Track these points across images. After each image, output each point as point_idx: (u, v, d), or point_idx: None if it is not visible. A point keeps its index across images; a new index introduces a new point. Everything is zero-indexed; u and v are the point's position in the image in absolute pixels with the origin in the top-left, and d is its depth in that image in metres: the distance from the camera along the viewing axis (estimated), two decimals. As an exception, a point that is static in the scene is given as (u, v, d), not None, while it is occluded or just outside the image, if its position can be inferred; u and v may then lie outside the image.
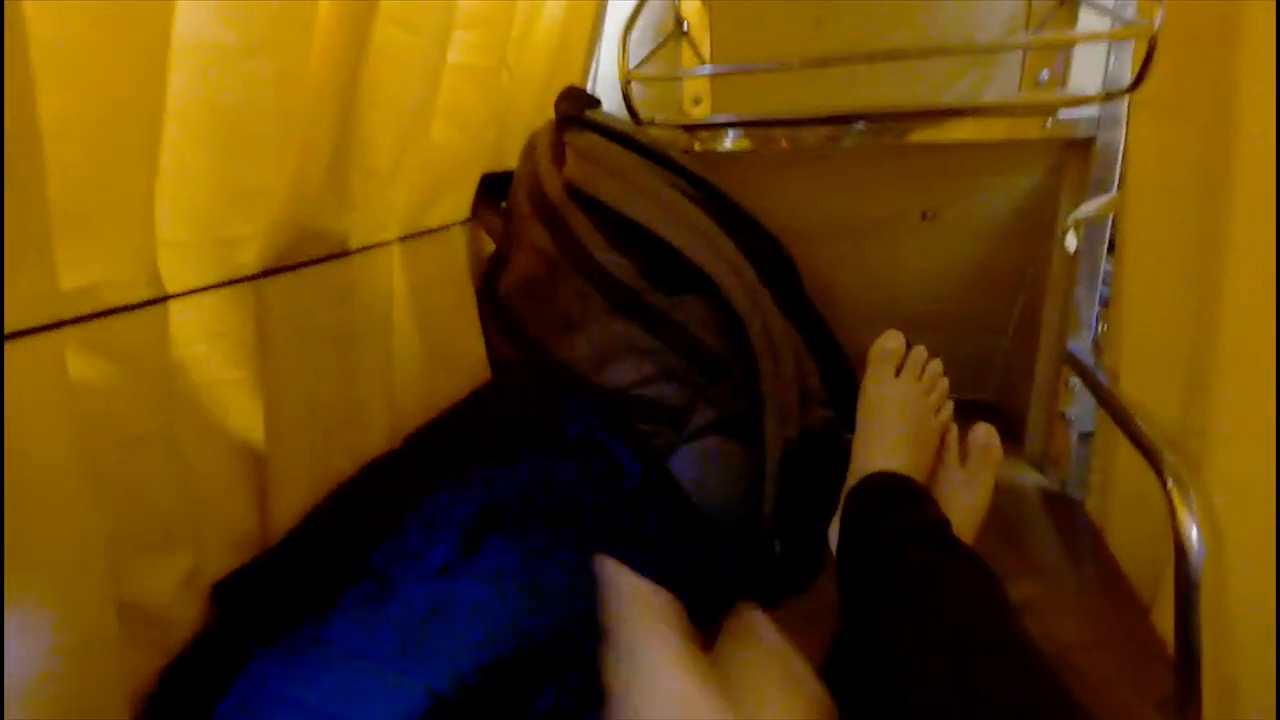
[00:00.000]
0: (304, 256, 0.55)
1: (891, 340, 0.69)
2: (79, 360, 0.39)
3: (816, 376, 0.81)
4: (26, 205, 0.32)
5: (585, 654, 0.54)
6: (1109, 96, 0.72)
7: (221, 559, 0.52)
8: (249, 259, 0.50)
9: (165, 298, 0.44)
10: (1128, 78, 0.75)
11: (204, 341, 0.49)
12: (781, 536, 0.68)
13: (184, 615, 0.49)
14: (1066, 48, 0.81)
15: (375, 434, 0.66)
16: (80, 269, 0.38)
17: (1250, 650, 0.52)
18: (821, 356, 0.83)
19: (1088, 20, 0.81)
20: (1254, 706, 0.52)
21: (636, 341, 0.73)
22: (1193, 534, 0.52)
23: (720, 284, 0.69)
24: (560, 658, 0.52)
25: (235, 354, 0.52)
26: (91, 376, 0.40)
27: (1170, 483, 0.55)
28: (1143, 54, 0.61)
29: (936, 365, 0.70)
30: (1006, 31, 0.86)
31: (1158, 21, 0.59)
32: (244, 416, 0.54)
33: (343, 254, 0.59)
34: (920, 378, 0.68)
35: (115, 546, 0.42)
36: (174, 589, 0.48)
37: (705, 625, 0.65)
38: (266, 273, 0.52)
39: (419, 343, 0.71)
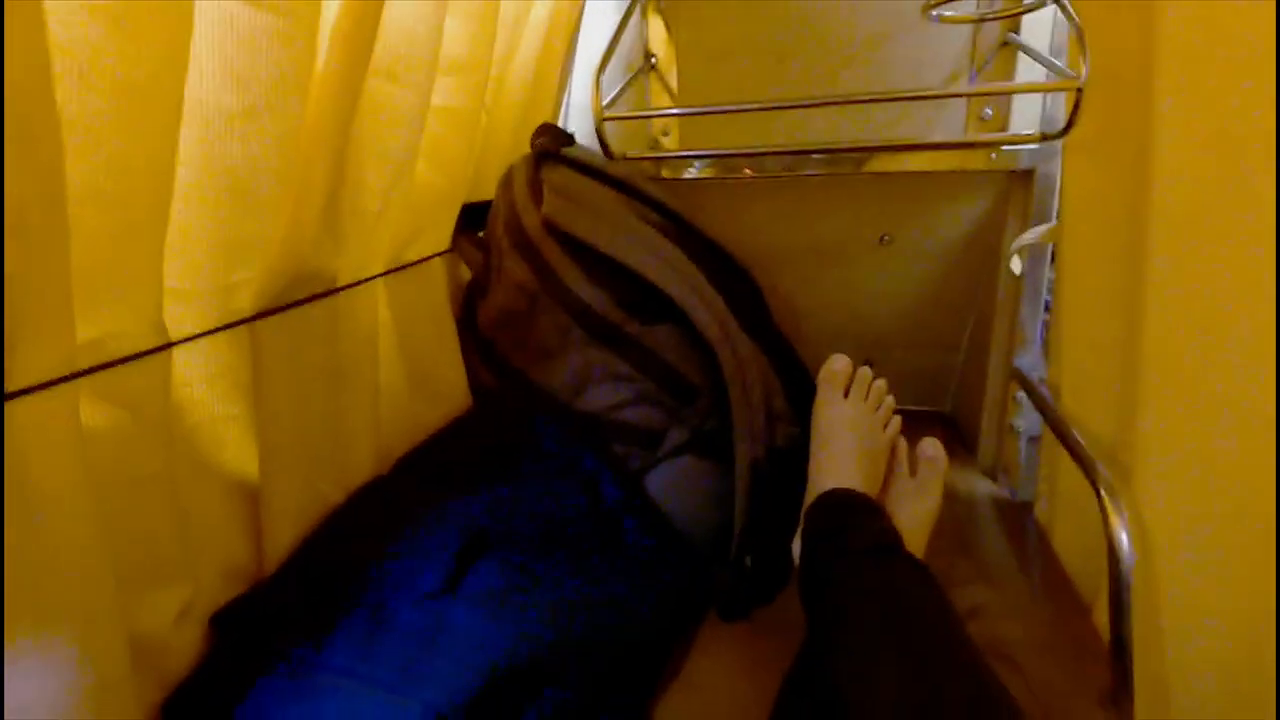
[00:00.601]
0: (296, 297, 0.57)
1: (838, 363, 0.74)
2: (90, 408, 0.41)
3: (782, 396, 0.85)
4: (52, 268, 0.35)
5: (572, 670, 0.57)
6: (1045, 138, 0.78)
7: (218, 591, 0.54)
8: (245, 303, 0.53)
9: (169, 345, 0.46)
10: (1062, 115, 0.82)
11: (203, 383, 0.52)
12: (751, 552, 0.72)
13: (182, 647, 0.51)
14: (1006, 94, 0.88)
15: (363, 463, 0.68)
16: (94, 323, 0.40)
17: (1177, 646, 0.56)
18: (786, 376, 0.87)
19: (1025, 62, 0.88)
20: (1182, 698, 0.56)
21: (613, 369, 0.77)
22: (1124, 540, 0.57)
23: (691, 314, 0.73)
24: (548, 675, 0.55)
25: (231, 393, 0.54)
26: (100, 423, 0.42)
27: (1103, 492, 0.60)
28: (1073, 102, 0.67)
29: (882, 383, 0.74)
30: (954, 70, 0.92)
31: (1084, 74, 0.65)
32: (238, 452, 0.56)
33: (331, 292, 0.62)
34: (867, 396, 0.73)
35: (120, 584, 0.44)
36: (172, 622, 0.50)
37: (679, 639, 0.69)
38: (261, 314, 0.54)
39: (403, 373, 0.73)
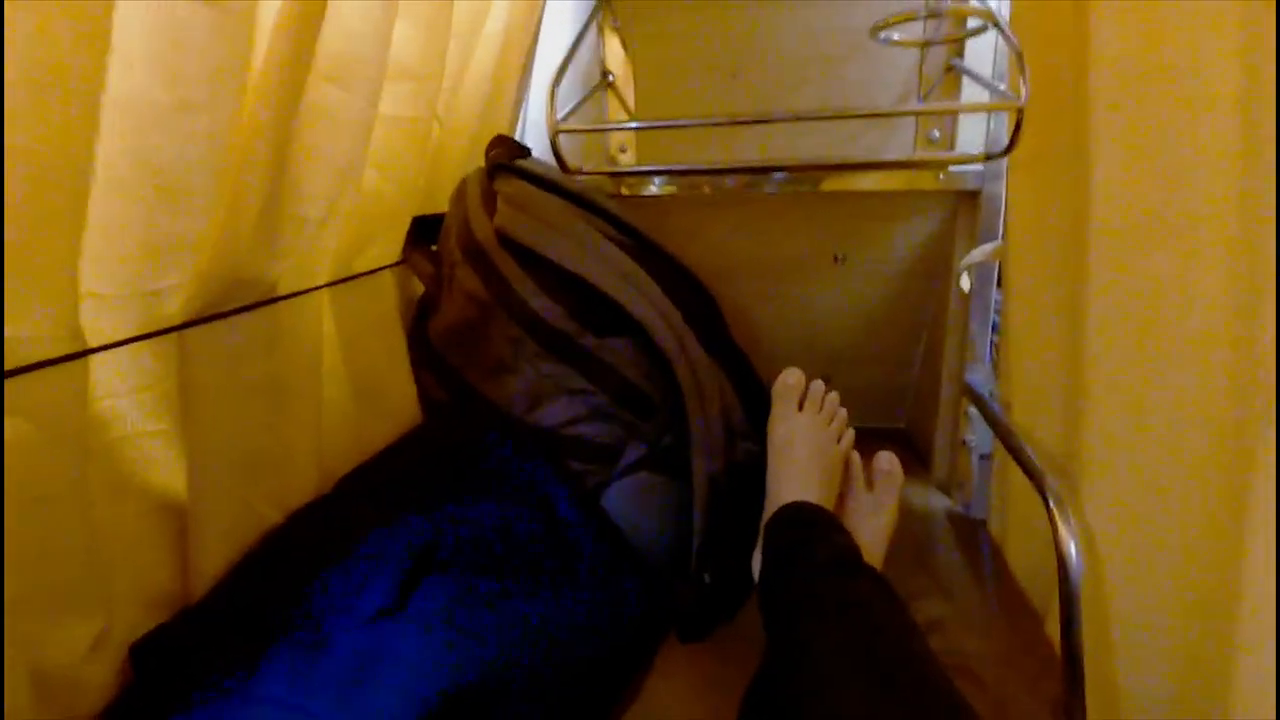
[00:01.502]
0: (231, 305, 0.54)
1: (791, 377, 0.74)
2: (-4, 419, 0.38)
3: (740, 411, 0.85)
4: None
5: (523, 695, 0.54)
6: (989, 158, 0.80)
7: (138, 619, 0.50)
8: (174, 309, 0.50)
9: (86, 352, 0.43)
10: (1005, 136, 0.85)
11: (125, 394, 0.48)
12: (710, 568, 0.71)
13: (97, 680, 0.47)
14: (952, 114, 0.91)
15: (304, 481, 0.65)
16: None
17: (1126, 653, 0.57)
18: (744, 391, 0.87)
19: (969, 86, 0.91)
20: (1132, 704, 0.57)
21: (567, 383, 0.75)
22: (1072, 550, 0.58)
23: (647, 327, 0.73)
24: (498, 700, 0.52)
25: (157, 406, 0.51)
26: (7, 433, 0.39)
27: (1052, 504, 0.61)
28: (1014, 123, 0.69)
29: (834, 396, 0.75)
30: (902, 92, 0.95)
31: (1024, 95, 0.67)
32: (164, 470, 0.52)
33: (271, 301, 0.59)
34: (821, 409, 0.73)
35: (20, 611, 0.40)
36: (85, 653, 0.46)
37: (637, 659, 0.67)
38: (191, 323, 0.51)
39: (349, 387, 0.70)
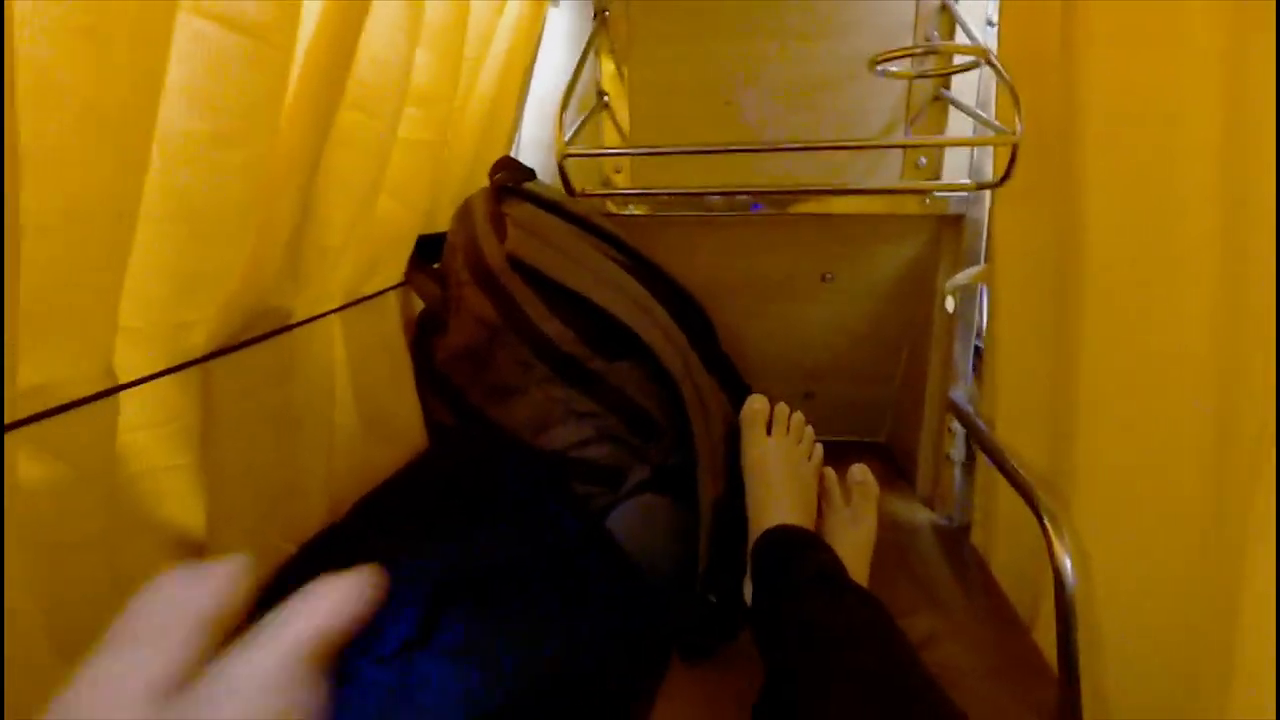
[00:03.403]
0: (250, 335, 0.53)
1: (756, 403, 0.77)
2: (28, 461, 0.36)
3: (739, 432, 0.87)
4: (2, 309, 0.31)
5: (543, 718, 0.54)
6: (980, 187, 0.84)
7: (159, 658, 0.49)
8: (198, 343, 0.49)
9: (116, 389, 0.42)
10: (989, 164, 0.88)
11: (146, 429, 0.47)
12: (715, 589, 0.72)
13: (115, 726, 0.46)
14: (941, 146, 0.94)
15: (315, 511, 0.63)
16: (40, 367, 0.36)
17: (1119, 666, 0.60)
18: (739, 409, 0.89)
19: (954, 115, 0.95)
20: (1122, 709, 0.60)
21: (575, 406, 0.76)
22: (1067, 565, 0.61)
23: (655, 349, 0.74)
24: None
25: (177, 440, 0.49)
26: (38, 477, 0.38)
27: (1045, 518, 0.63)
28: (1007, 156, 0.72)
29: (799, 416, 0.78)
30: (890, 119, 0.98)
31: (1019, 129, 0.70)
32: (182, 504, 0.51)
33: (286, 329, 0.58)
34: (788, 431, 0.76)
35: (55, 657, 0.39)
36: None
37: (645, 680, 0.67)
38: (214, 354, 0.50)
39: (357, 412, 0.69)
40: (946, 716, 0.43)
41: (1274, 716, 0.41)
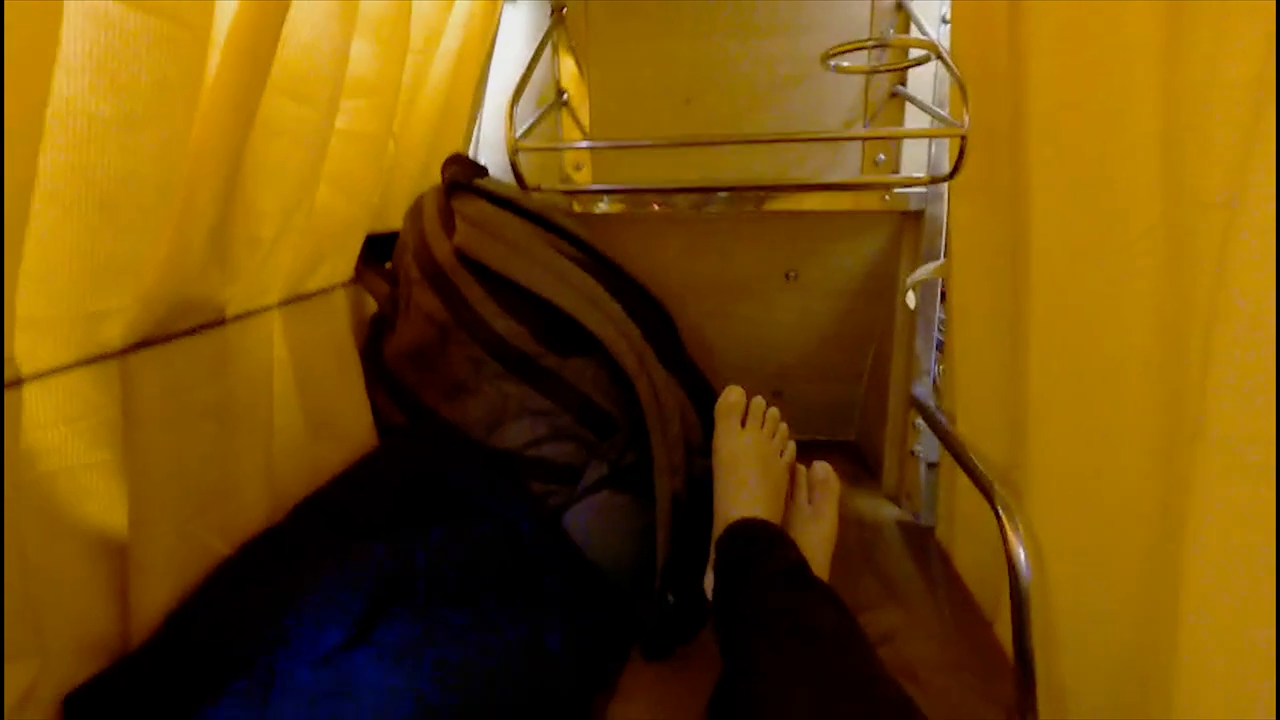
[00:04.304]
0: (177, 328, 0.52)
1: (732, 395, 0.76)
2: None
3: (699, 429, 0.86)
4: None
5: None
6: (933, 181, 0.84)
7: (73, 667, 0.47)
8: (115, 334, 0.47)
9: (19, 381, 0.40)
10: (946, 161, 0.89)
11: (60, 424, 0.45)
12: (674, 587, 0.71)
13: (27, 735, 0.44)
14: (897, 139, 0.95)
15: (254, 511, 0.62)
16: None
17: (1072, 654, 0.60)
18: (701, 407, 0.88)
19: (912, 112, 0.95)
20: (1080, 702, 0.60)
21: (529, 403, 0.75)
22: (1021, 558, 0.60)
23: (609, 345, 0.73)
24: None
25: (96, 436, 0.47)
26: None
27: (1000, 512, 0.63)
28: (957, 149, 0.73)
29: (775, 412, 0.77)
30: (849, 117, 0.99)
31: (966, 123, 0.70)
32: (103, 504, 0.49)
33: (219, 323, 0.56)
34: (762, 425, 0.75)
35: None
36: (14, 707, 0.42)
37: (602, 681, 0.66)
38: (133, 347, 0.48)
39: (301, 412, 0.67)
40: (896, 705, 0.42)
41: (1214, 706, 0.40)
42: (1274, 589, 0.37)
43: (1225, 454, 0.39)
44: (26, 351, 0.41)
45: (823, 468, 0.74)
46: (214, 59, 0.46)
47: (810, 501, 0.73)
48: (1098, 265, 0.56)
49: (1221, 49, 0.40)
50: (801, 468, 0.76)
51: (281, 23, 0.48)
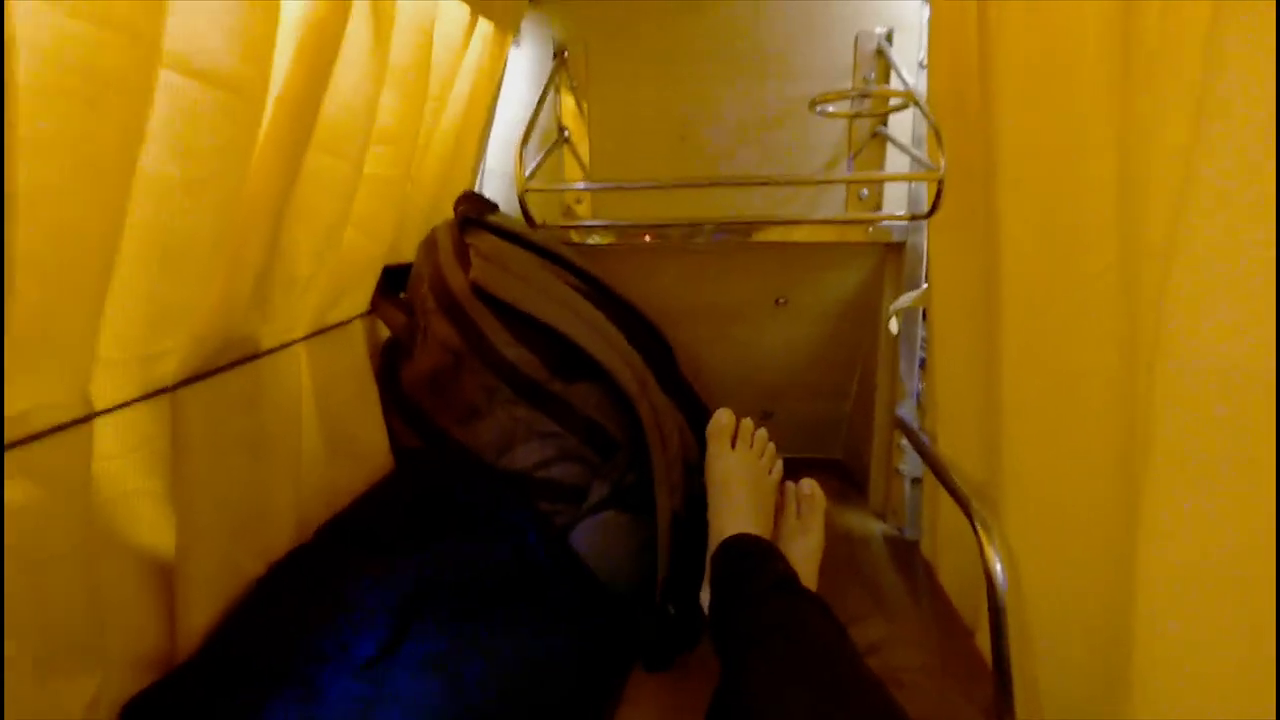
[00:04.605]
0: (219, 363, 0.56)
1: (723, 417, 0.81)
2: (10, 483, 0.39)
3: (696, 449, 0.91)
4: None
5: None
6: (913, 218, 0.90)
7: (128, 679, 0.50)
8: (169, 371, 0.51)
9: (91, 416, 0.44)
10: (926, 197, 0.94)
11: (119, 455, 0.49)
12: (674, 600, 0.75)
13: (87, 743, 0.47)
14: (879, 181, 1.01)
15: (283, 533, 0.65)
16: (23, 395, 0.38)
17: (1047, 659, 0.63)
18: (697, 428, 0.93)
19: (892, 149, 1.01)
20: (1053, 704, 0.64)
21: (538, 427, 0.79)
22: (998, 568, 0.65)
23: (614, 373, 0.77)
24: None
25: (148, 465, 0.51)
26: (15, 499, 0.40)
27: (978, 526, 0.68)
28: (934, 190, 0.78)
29: (763, 432, 0.82)
30: (834, 154, 1.05)
31: (943, 166, 0.76)
32: (153, 528, 0.53)
33: (253, 357, 0.60)
34: (751, 445, 0.80)
35: (21, 671, 0.40)
36: (80, 715, 0.46)
37: (608, 690, 0.70)
38: (183, 383, 0.53)
39: (323, 436, 0.71)
40: (883, 708, 0.46)
41: (1168, 709, 0.45)
42: (1223, 592, 0.41)
43: (1171, 465, 0.44)
44: (98, 390, 0.45)
45: (809, 484, 0.79)
46: (265, 122, 0.50)
47: (798, 516, 0.78)
48: (1063, 297, 0.60)
49: (1159, 115, 0.45)
50: (790, 484, 0.80)
51: (325, 87, 0.53)
